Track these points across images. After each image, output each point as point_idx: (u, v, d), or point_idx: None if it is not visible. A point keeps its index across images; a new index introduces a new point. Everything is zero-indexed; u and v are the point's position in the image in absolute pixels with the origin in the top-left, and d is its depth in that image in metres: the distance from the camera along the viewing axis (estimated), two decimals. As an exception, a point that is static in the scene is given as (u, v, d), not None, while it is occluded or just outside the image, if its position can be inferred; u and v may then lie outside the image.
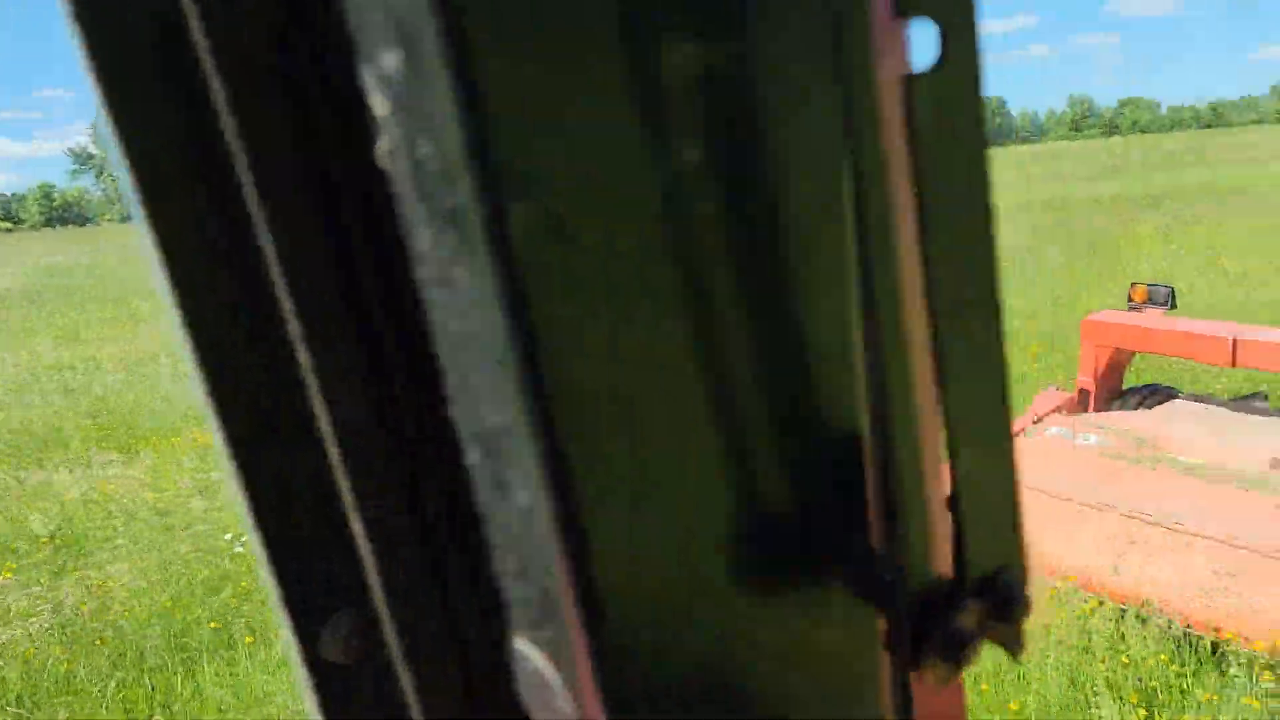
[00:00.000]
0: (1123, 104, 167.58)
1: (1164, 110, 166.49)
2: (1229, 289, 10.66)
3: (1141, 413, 5.10)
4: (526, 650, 0.30)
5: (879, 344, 0.36)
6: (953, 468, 0.39)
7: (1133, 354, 5.54)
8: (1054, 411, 5.03)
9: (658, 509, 0.31)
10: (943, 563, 0.40)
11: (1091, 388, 5.28)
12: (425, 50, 0.24)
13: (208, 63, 0.30)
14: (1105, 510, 3.89)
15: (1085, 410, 5.22)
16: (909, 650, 0.38)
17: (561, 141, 0.26)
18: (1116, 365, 5.39)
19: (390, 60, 0.25)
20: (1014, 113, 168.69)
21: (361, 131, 0.28)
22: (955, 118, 0.35)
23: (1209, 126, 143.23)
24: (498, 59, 0.25)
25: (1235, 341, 4.74)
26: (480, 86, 0.24)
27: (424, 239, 0.26)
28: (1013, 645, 0.41)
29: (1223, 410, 5.12)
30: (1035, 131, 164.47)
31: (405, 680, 0.38)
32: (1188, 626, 3.30)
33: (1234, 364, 4.82)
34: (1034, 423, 4.95)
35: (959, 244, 0.36)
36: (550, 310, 0.27)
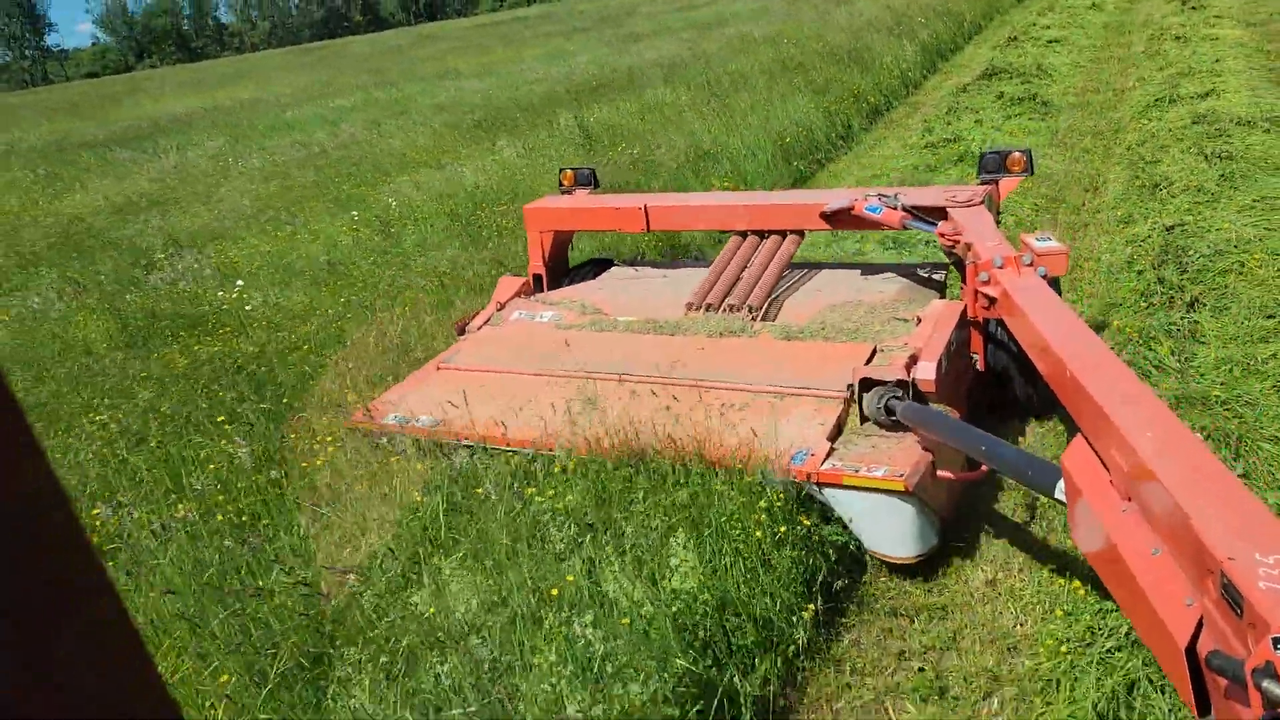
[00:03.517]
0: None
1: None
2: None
3: (587, 284, 5.50)
4: None
5: None
6: None
7: (572, 233, 5.90)
8: (515, 296, 5.29)
9: None
10: None
11: (542, 271, 5.55)
12: None
13: None
14: (565, 376, 4.25)
15: (541, 291, 5.51)
16: None
17: None
18: (560, 246, 5.70)
19: None
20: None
21: None
22: None
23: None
24: None
25: (646, 208, 5.31)
26: None
27: None
28: None
29: (650, 270, 5.70)
30: (466, 4, 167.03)
31: None
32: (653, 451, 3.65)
33: (648, 228, 5.39)
34: (498, 309, 5.18)
35: None
36: None
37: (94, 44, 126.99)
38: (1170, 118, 8.91)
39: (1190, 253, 5.52)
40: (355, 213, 9.12)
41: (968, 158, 8.66)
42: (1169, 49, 12.73)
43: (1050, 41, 14.89)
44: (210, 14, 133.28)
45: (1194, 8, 16.15)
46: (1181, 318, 4.80)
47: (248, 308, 6.68)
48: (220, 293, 7.05)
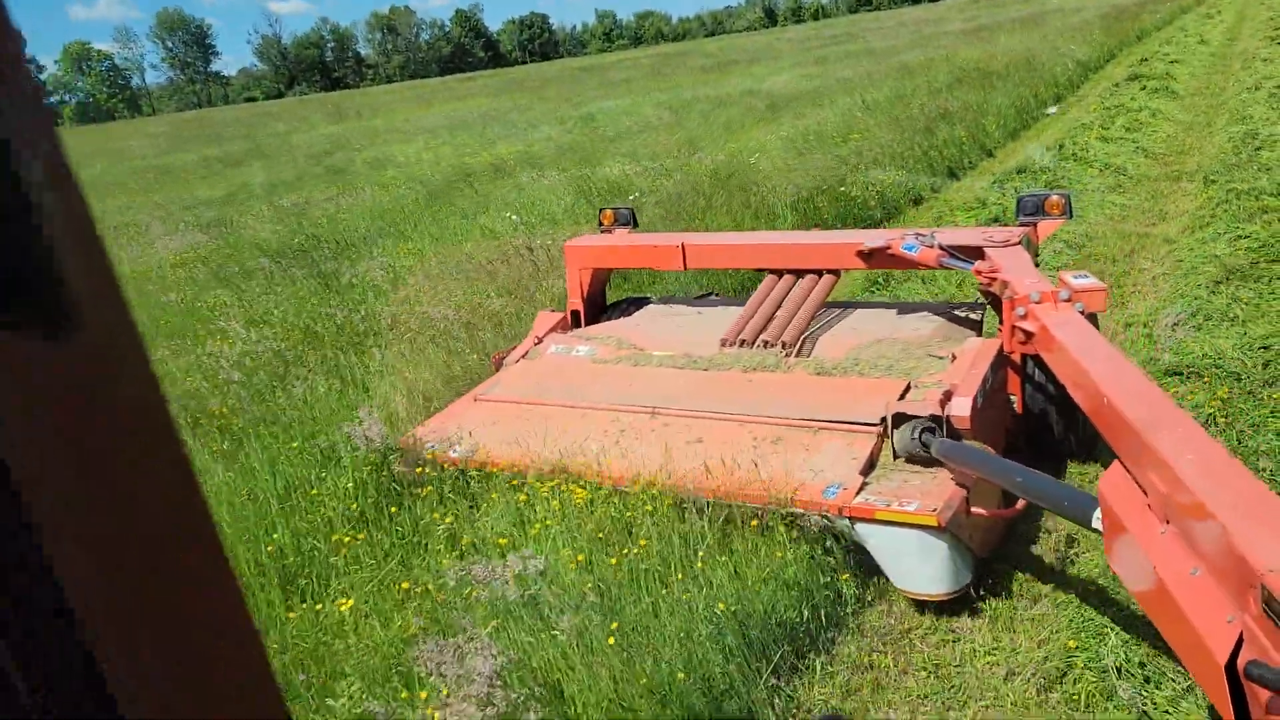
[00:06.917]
0: (640, 17, 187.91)
1: (675, 21, 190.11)
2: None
3: (623, 320, 5.74)
4: None
5: None
6: None
7: (610, 270, 6.08)
8: (552, 331, 5.52)
9: None
10: None
11: (580, 307, 5.75)
12: None
13: None
14: (598, 408, 4.45)
15: (579, 326, 5.71)
16: None
17: None
18: (598, 283, 5.89)
19: None
20: (554, 27, 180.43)
21: None
22: None
23: (712, 34, 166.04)
24: None
25: (684, 247, 5.53)
26: None
27: None
28: None
29: (684, 307, 5.92)
30: (576, 45, 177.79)
31: None
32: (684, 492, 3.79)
33: (685, 267, 5.59)
34: (535, 343, 5.42)
35: None
36: None
37: (252, 69, 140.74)
38: (1257, 95, 14.99)
39: (1260, 137, 11.64)
40: (774, 135, 15.75)
41: (1131, 112, 14.86)
42: (1258, 66, 18.73)
43: (1172, 61, 21.00)
44: (351, 48, 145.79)
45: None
46: (1254, 150, 10.96)
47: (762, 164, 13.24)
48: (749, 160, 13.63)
